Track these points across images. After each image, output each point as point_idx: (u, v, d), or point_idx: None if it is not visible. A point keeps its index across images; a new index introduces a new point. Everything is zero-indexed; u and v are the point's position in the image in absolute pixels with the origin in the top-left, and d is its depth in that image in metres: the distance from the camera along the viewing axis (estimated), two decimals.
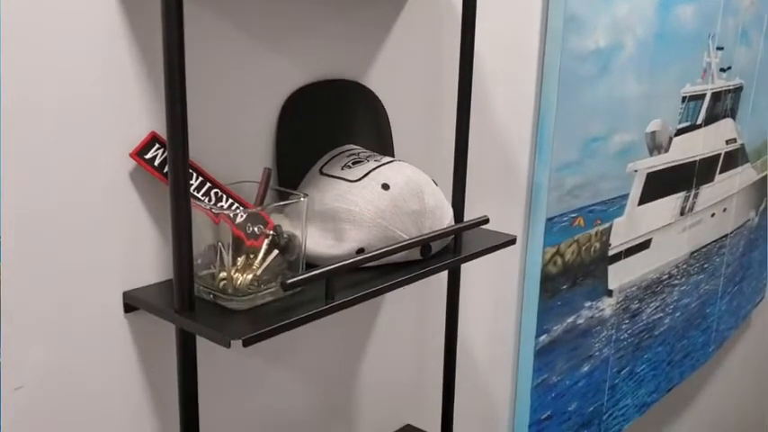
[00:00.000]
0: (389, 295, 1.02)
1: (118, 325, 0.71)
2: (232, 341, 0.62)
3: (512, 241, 0.92)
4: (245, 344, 0.62)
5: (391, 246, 0.76)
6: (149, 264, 0.73)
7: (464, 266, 1.02)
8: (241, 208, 0.72)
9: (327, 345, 0.94)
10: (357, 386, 1.01)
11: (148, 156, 0.68)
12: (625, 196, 1.50)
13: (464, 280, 1.05)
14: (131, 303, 0.70)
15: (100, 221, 0.68)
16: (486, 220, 0.87)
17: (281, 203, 0.72)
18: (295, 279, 0.66)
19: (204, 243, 0.70)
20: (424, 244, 0.80)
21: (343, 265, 0.71)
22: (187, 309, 0.66)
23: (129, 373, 0.73)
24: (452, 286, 0.99)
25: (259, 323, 0.64)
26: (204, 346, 0.76)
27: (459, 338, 1.06)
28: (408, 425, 1.11)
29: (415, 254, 0.81)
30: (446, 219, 0.84)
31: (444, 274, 1.04)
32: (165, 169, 0.67)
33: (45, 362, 0.67)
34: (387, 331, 1.03)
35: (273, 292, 0.70)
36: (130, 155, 0.68)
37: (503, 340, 1.31)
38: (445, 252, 0.86)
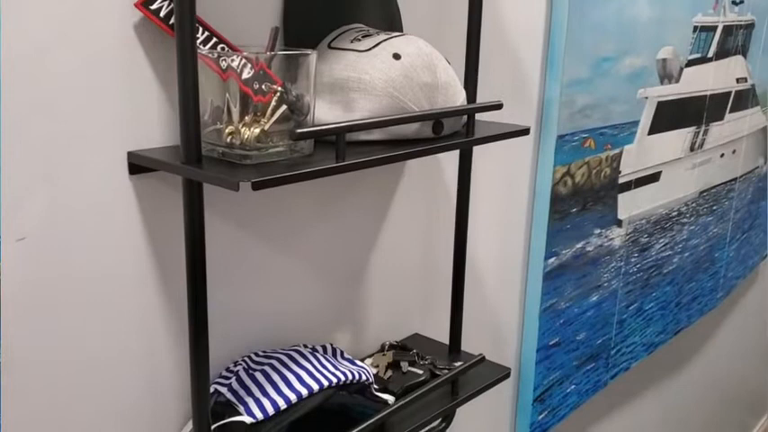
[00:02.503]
0: (399, 195, 1.00)
1: (122, 186, 0.69)
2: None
3: (525, 131, 0.90)
4: (255, 187, 0.59)
5: (403, 114, 0.74)
6: (154, 126, 0.71)
7: (473, 181, 0.99)
8: (250, 62, 0.69)
9: (335, 239, 0.92)
10: (364, 288, 0.99)
11: (154, 6, 0.66)
12: (635, 123, 1.47)
13: (473, 195, 1.03)
14: (136, 163, 0.68)
15: (103, 76, 0.66)
16: (500, 105, 0.85)
17: (290, 52, 0.69)
18: (305, 130, 0.64)
19: (211, 104, 0.68)
20: (436, 119, 0.78)
21: (355, 124, 0.69)
22: (195, 161, 0.64)
23: (134, 237, 0.71)
24: (463, 182, 0.97)
25: (267, 173, 0.62)
26: (211, 225, 0.74)
27: (467, 255, 1.04)
28: (417, 333, 1.09)
29: (427, 131, 0.79)
30: (459, 98, 0.82)
31: (454, 180, 1.02)
32: (171, 21, 0.65)
33: (47, 216, 0.65)
34: (395, 236, 1.01)
35: (282, 152, 0.68)
36: (135, 5, 0.65)
37: (511, 260, 1.29)
38: (457, 136, 0.84)
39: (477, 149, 1.03)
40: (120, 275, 0.71)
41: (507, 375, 1.00)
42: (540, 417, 1.42)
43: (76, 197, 0.66)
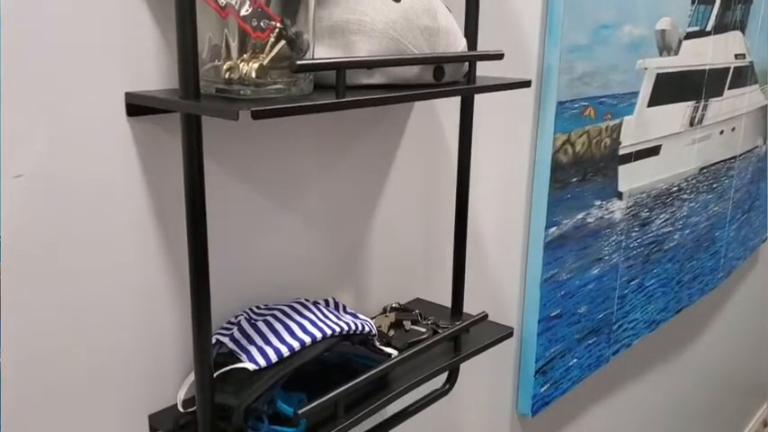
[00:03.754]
0: (400, 153, 0.99)
1: (120, 128, 0.68)
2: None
3: (527, 83, 0.89)
4: (254, 116, 0.58)
5: (404, 55, 0.73)
6: (152, 70, 0.69)
7: (474, 146, 0.98)
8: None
9: (336, 195, 0.91)
10: (365, 248, 0.98)
11: None
12: (635, 94, 1.47)
13: (474, 161, 1.01)
14: (134, 103, 0.67)
15: (101, 15, 0.65)
16: (501, 55, 0.84)
17: None
18: (305, 62, 0.63)
19: (209, 41, 0.67)
20: (437, 63, 0.77)
21: (355, 60, 0.68)
22: (193, 97, 0.63)
23: (132, 180, 0.70)
24: (464, 139, 0.96)
25: (267, 105, 0.61)
26: (210, 175, 0.73)
27: (468, 222, 1.03)
28: (419, 298, 1.08)
29: (428, 76, 0.78)
30: (460, 45, 0.81)
31: (455, 141, 1.01)
32: None
33: (45, 153, 0.64)
34: (396, 196, 1.00)
35: (281, 89, 0.67)
36: None
37: (512, 228, 1.28)
38: (458, 85, 0.83)
39: (477, 115, 1.02)
40: (118, 220, 0.70)
41: (510, 334, 0.99)
42: (543, 389, 1.41)
43: (74, 137, 0.65)
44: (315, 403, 0.72)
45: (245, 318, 0.78)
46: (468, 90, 0.81)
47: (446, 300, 1.06)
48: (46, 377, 0.68)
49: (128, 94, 0.68)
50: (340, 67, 0.66)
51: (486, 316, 0.97)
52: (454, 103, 1.02)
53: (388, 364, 0.81)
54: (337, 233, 0.93)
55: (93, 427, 0.72)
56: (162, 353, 0.77)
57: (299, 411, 0.71)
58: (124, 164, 0.69)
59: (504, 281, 1.29)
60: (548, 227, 1.31)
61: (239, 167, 0.79)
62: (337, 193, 0.91)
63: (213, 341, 0.75)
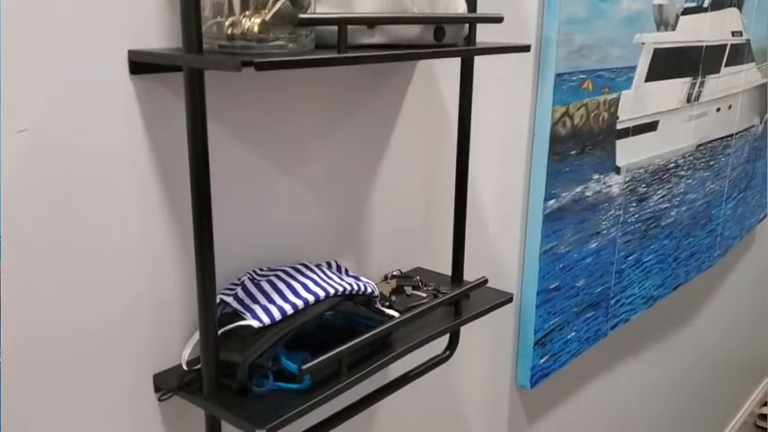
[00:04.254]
0: (400, 119, 0.99)
1: (123, 85, 0.68)
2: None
3: (526, 47, 0.89)
4: (258, 67, 0.59)
5: (404, 14, 0.73)
6: (154, 28, 0.70)
7: (474, 117, 0.98)
8: None
9: (338, 160, 0.92)
10: (366, 215, 0.99)
11: None
12: (633, 69, 1.47)
13: (474, 132, 1.01)
14: (136, 60, 0.68)
15: None
16: (501, 18, 0.84)
17: None
18: (308, 16, 0.64)
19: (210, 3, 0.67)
20: (438, 23, 0.78)
21: (356, 17, 0.68)
22: (196, 51, 0.63)
23: (135, 138, 0.70)
24: (464, 103, 0.96)
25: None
26: (213, 136, 0.74)
27: (469, 193, 1.03)
28: (418, 267, 1.09)
29: (428, 36, 0.78)
30: (459, 8, 0.82)
31: (454, 110, 1.01)
32: None
33: (48, 110, 0.64)
34: (397, 163, 1.01)
35: (283, 45, 0.67)
36: None
37: (512, 200, 1.28)
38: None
39: (477, 85, 1.01)
40: (121, 177, 0.70)
41: (510, 300, 1.00)
42: (542, 361, 1.42)
43: (77, 93, 0.66)
44: (318, 359, 0.73)
45: (249, 278, 0.79)
46: (468, 51, 0.81)
47: (446, 269, 1.07)
48: (51, 339, 0.68)
49: (131, 52, 0.68)
50: (342, 23, 0.66)
51: (486, 281, 0.98)
52: (454, 70, 1.02)
53: (390, 323, 0.82)
54: (338, 199, 0.94)
55: (100, 388, 0.73)
56: (165, 314, 0.77)
57: (304, 367, 0.71)
58: (127, 122, 0.69)
59: (504, 252, 1.30)
60: (546, 199, 1.32)
61: (241, 129, 0.80)
62: (338, 158, 0.92)
63: (217, 301, 0.76)
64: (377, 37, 0.75)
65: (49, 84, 0.64)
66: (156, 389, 0.77)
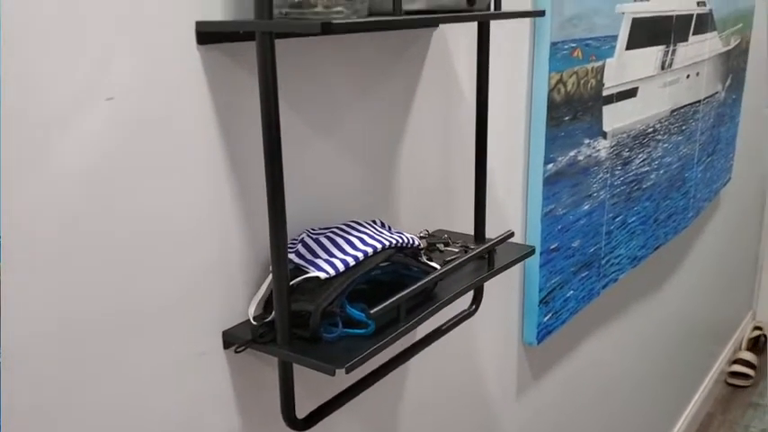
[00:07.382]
0: (420, 87, 1.05)
1: (192, 54, 0.73)
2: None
3: (541, 12, 0.96)
4: (331, 29, 0.64)
5: None
6: (216, 1, 0.74)
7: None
8: None
9: (369, 128, 0.97)
10: (393, 180, 1.04)
11: None
12: (615, 37, 1.55)
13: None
14: (204, 30, 0.72)
15: None
16: None
17: None
18: None
19: None
20: None
21: None
22: (267, 16, 0.68)
23: (202, 105, 0.74)
24: (482, 68, 1.02)
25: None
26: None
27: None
28: (440, 229, 1.15)
29: (462, 2, 0.84)
30: None
31: (470, 80, 1.07)
32: None
33: (131, 78, 0.68)
34: (419, 125, 1.06)
35: (342, 11, 0.72)
36: None
37: (515, 165, 1.35)
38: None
39: None
40: (192, 145, 0.74)
41: (532, 252, 1.07)
42: (546, 318, 1.49)
43: (153, 64, 0.70)
44: (382, 305, 0.78)
45: (307, 235, 0.84)
46: (497, 15, 0.87)
47: (465, 229, 1.13)
48: (122, 302, 0.72)
49: (198, 23, 0.72)
50: None
51: (513, 233, 1.04)
52: (463, 41, 1.08)
53: (437, 273, 0.88)
54: (368, 163, 0.99)
55: (171, 349, 0.77)
56: (231, 274, 0.81)
57: (372, 311, 0.77)
58: (197, 89, 0.74)
59: (510, 215, 1.36)
60: (545, 163, 1.39)
61: (286, 96, 0.84)
62: (369, 124, 0.97)
63: None
64: (418, 3, 0.81)
65: (130, 55, 0.68)
66: (226, 345, 0.82)
